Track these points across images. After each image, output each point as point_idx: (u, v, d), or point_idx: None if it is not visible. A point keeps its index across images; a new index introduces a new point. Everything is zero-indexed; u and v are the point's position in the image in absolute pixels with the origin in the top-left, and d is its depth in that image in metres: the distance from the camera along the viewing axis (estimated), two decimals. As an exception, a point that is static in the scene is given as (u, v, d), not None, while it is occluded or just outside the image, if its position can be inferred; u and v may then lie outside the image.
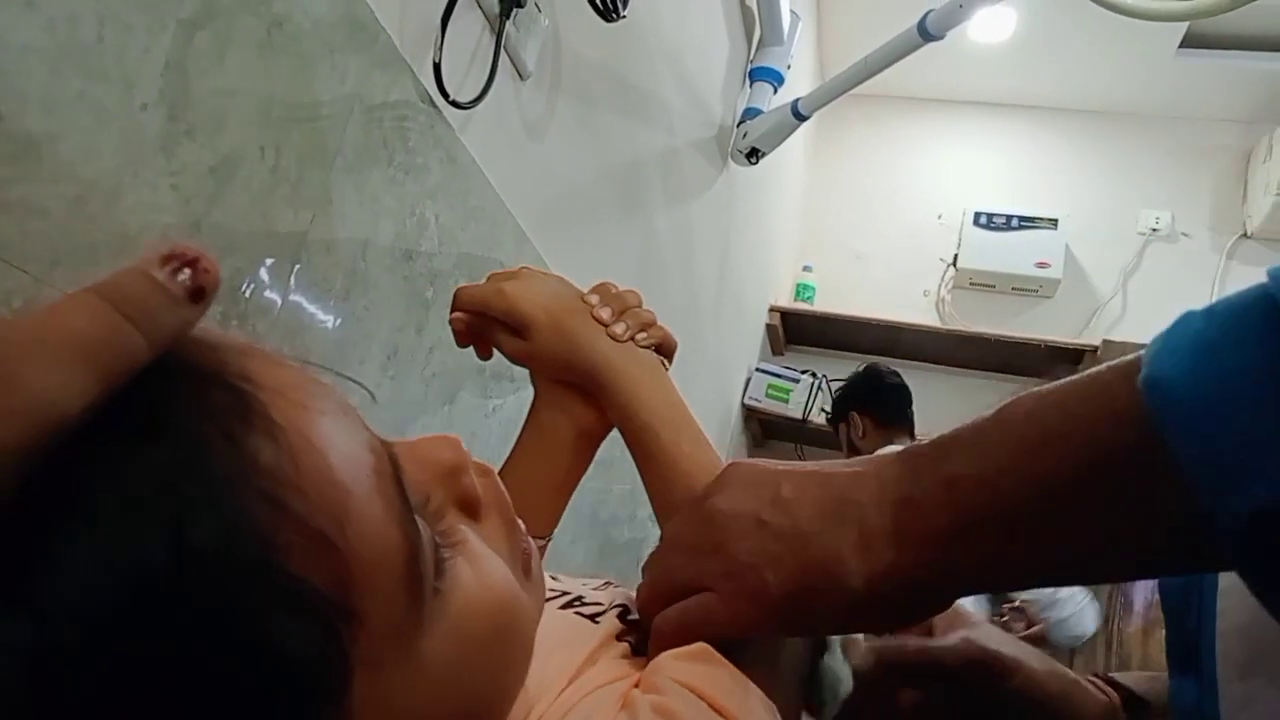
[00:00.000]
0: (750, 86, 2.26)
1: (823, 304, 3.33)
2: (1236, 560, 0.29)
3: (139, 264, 0.22)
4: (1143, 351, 0.32)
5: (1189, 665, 0.49)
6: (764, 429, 3.17)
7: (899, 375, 2.36)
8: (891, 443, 2.22)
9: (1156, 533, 0.32)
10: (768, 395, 2.96)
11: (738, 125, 2.20)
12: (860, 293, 3.35)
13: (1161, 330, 0.32)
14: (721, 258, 2.43)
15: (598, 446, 0.60)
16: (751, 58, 2.29)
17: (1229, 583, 0.44)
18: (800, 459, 2.72)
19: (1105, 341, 2.96)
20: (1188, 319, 0.31)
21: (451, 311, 0.59)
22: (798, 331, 3.33)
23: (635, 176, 1.68)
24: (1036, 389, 0.36)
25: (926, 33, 1.72)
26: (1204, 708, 0.45)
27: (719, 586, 0.40)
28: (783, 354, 3.39)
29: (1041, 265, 3.20)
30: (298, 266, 0.78)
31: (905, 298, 3.37)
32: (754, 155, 2.16)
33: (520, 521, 0.36)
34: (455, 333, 0.60)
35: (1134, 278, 3.26)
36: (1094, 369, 0.35)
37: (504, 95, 1.12)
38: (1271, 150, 3.05)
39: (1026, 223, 3.25)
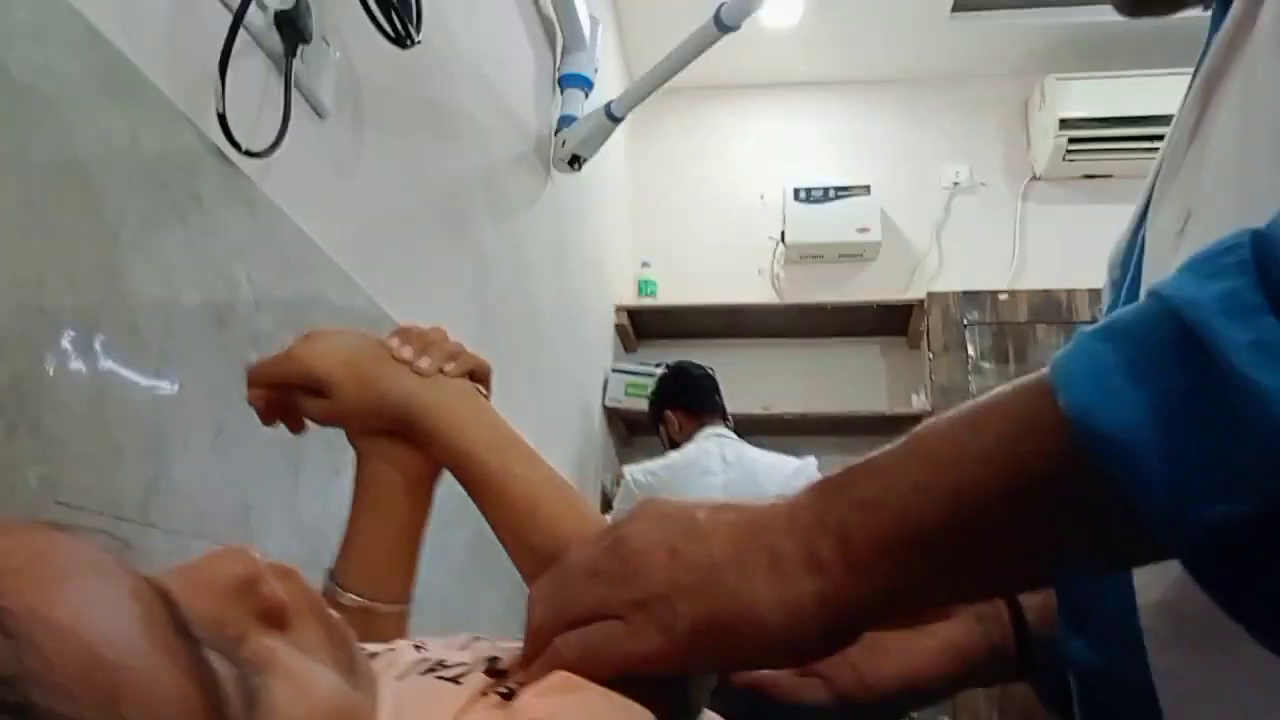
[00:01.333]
0: (562, 94, 2.26)
1: (666, 297, 3.38)
2: (1195, 573, 0.29)
3: None
4: (1045, 371, 0.32)
5: (1085, 627, 0.51)
6: (628, 427, 3.19)
7: (702, 367, 2.58)
8: (705, 428, 2.33)
9: (1088, 545, 0.33)
10: (628, 394, 2.98)
11: (555, 134, 2.19)
12: (700, 280, 3.42)
13: (1061, 353, 0.32)
14: (559, 266, 2.41)
15: (432, 490, 0.58)
16: (558, 65, 2.28)
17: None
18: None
19: (929, 293, 3.15)
20: (1087, 342, 0.31)
21: (248, 390, 0.55)
22: (646, 326, 3.36)
23: (457, 199, 1.64)
24: (945, 415, 0.36)
25: (723, 24, 1.77)
26: (1126, 676, 0.45)
27: (628, 616, 0.38)
28: (635, 350, 3.42)
29: (862, 230, 3.37)
30: (99, 347, 0.71)
31: (742, 279, 3.46)
32: (575, 162, 2.15)
33: (334, 614, 0.33)
34: (258, 412, 0.56)
35: (945, 230, 3.48)
36: (999, 390, 0.34)
37: (303, 137, 1.06)
38: (1044, 96, 3.32)
39: (842, 192, 3.40)
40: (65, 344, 0.68)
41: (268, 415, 0.58)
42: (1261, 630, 0.30)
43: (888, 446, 0.37)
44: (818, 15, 3.27)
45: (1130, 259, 0.53)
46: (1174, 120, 0.52)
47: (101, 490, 0.71)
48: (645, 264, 3.46)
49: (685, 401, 2.48)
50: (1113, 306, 0.56)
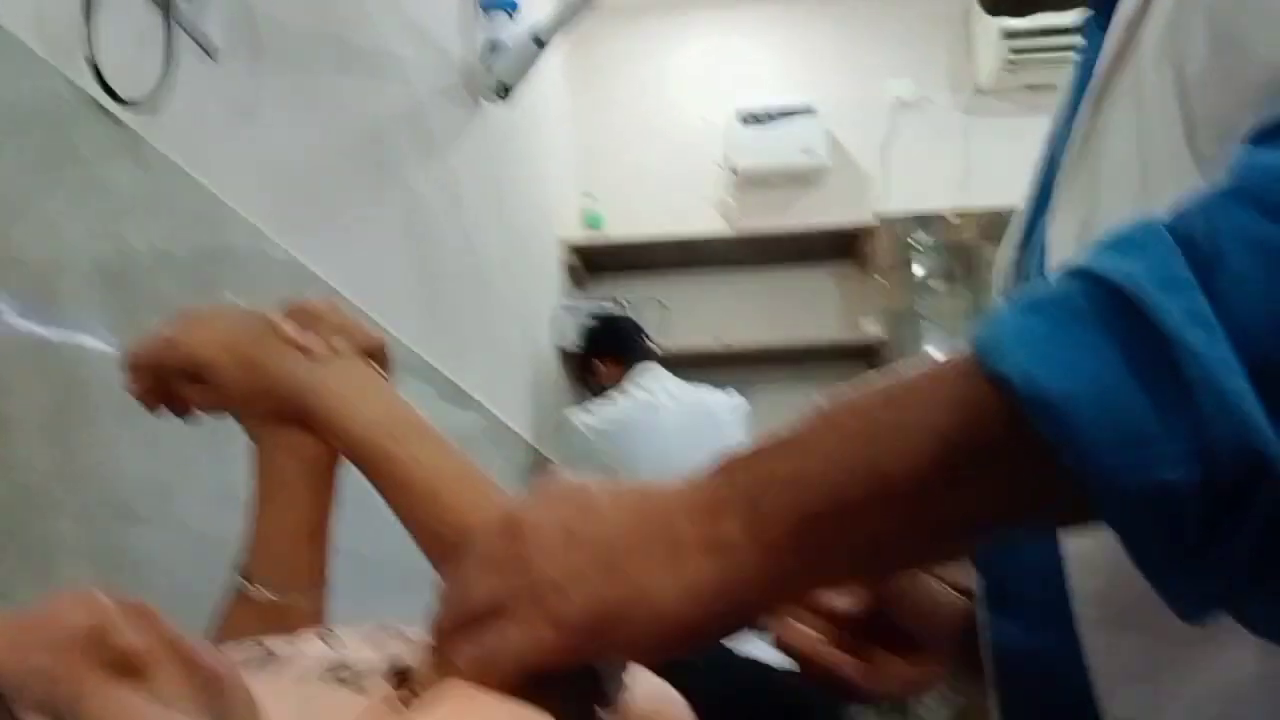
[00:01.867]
0: (487, 18, 2.15)
1: (613, 228, 3.31)
2: (1130, 544, 0.29)
3: None
4: (957, 349, 0.31)
5: (1010, 609, 0.51)
6: (584, 368, 3.15)
7: (622, 309, 2.69)
8: (635, 368, 2.43)
9: (1018, 511, 0.32)
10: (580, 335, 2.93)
11: (482, 62, 2.10)
12: (647, 211, 3.35)
13: (979, 329, 0.31)
14: (498, 201, 2.34)
15: (333, 474, 0.55)
16: (481, -11, 2.17)
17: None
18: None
19: (879, 217, 3.13)
20: (1010, 317, 0.30)
21: (127, 377, 0.51)
22: (595, 262, 3.31)
23: (380, 139, 1.56)
24: (847, 392, 0.34)
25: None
26: (1056, 656, 0.46)
27: (520, 609, 0.35)
28: (585, 287, 3.36)
29: (808, 152, 3.32)
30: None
31: (691, 208, 3.41)
32: (504, 91, 2.07)
33: (203, 654, 0.30)
34: (139, 399, 0.52)
35: (891, 149, 3.44)
36: (905, 368, 0.33)
37: (194, 81, 0.98)
38: (986, 7, 3.26)
39: (786, 113, 3.34)
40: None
41: (150, 402, 0.54)
42: (1192, 607, 0.29)
43: (792, 424, 0.35)
44: (755, -72, 3.15)
45: (1024, 254, 0.56)
46: (1058, 120, 0.57)
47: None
48: (589, 195, 3.39)
49: (612, 348, 2.55)
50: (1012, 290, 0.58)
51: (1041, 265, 0.52)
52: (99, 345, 0.80)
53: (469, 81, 2.06)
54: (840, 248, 3.29)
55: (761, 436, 0.35)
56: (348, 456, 0.50)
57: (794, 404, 3.23)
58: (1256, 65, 0.38)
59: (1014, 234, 0.60)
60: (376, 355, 0.54)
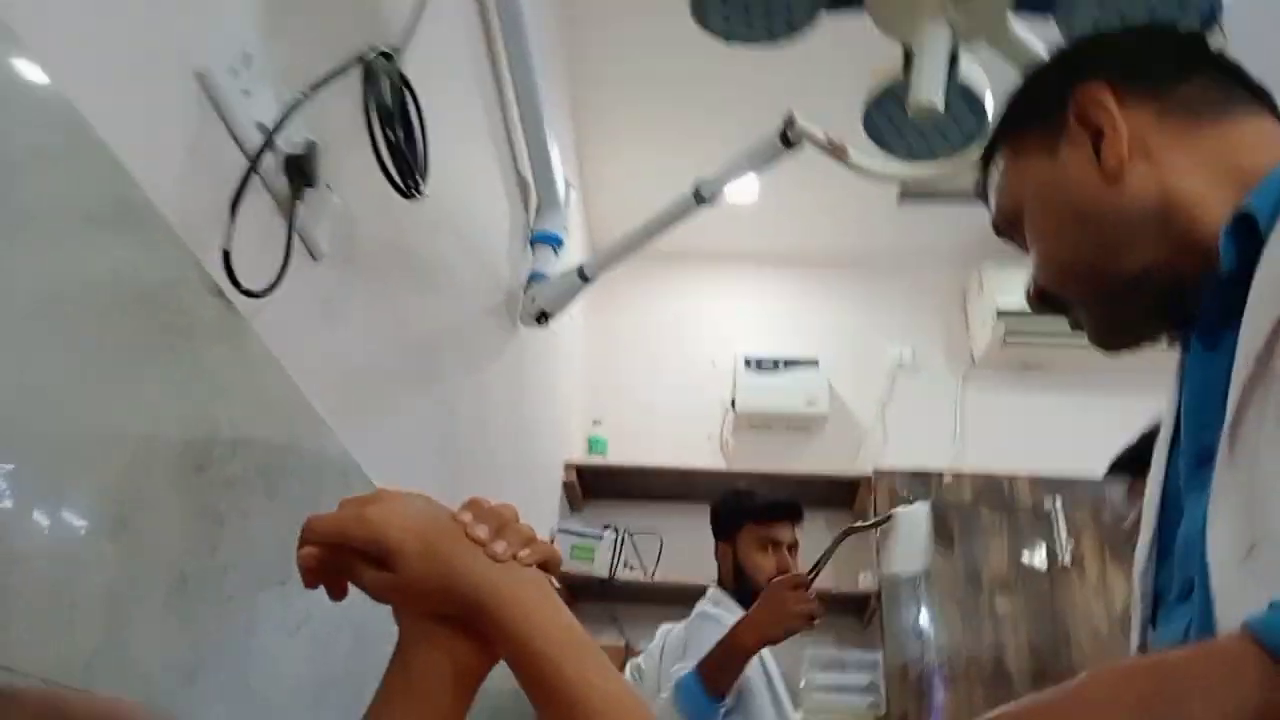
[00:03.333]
0: (533, 251, 2.30)
1: (615, 456, 3.34)
2: None
3: None
4: (1236, 638, 0.33)
5: None
6: (571, 593, 3.06)
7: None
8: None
9: None
10: (573, 557, 2.88)
11: (525, 290, 2.21)
12: (650, 442, 3.40)
13: (1267, 619, 0.32)
14: (516, 420, 2.38)
15: (479, 685, 0.52)
16: (531, 224, 2.33)
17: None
18: (614, 621, 2.65)
19: (876, 471, 3.18)
20: None
21: (300, 546, 0.50)
22: (594, 485, 3.30)
23: (431, 350, 1.61)
24: (1115, 663, 0.35)
25: (700, 197, 1.84)
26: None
27: None
28: (580, 510, 3.34)
29: (810, 403, 3.43)
30: (62, 494, 0.65)
31: (692, 443, 3.46)
32: (543, 317, 2.16)
33: None
34: (304, 571, 0.51)
35: (890, 407, 3.56)
36: (1179, 651, 0.34)
37: (297, 279, 1.03)
38: (983, 285, 3.51)
39: (791, 364, 3.48)
40: (24, 485, 0.62)
41: (314, 576, 0.52)
42: None
43: (1044, 698, 0.35)
44: (774, 195, 3.45)
45: (1182, 574, 0.58)
46: (1164, 436, 0.61)
47: (49, 649, 0.63)
48: (596, 422, 3.44)
49: None
50: (1179, 618, 0.59)
51: (1197, 573, 0.54)
52: (160, 529, 0.78)
53: (510, 305, 2.16)
54: (837, 497, 3.31)
55: (1032, 702, 0.35)
56: (516, 666, 0.48)
57: (784, 652, 3.10)
58: None
59: (1145, 544, 0.63)
60: (552, 569, 0.53)
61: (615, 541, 2.93)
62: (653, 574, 3.06)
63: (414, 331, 1.51)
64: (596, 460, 3.30)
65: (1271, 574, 0.49)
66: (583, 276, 2.08)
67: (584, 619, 2.29)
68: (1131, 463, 2.11)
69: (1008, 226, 0.75)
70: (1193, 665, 0.33)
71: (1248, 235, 0.58)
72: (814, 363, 3.49)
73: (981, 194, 0.80)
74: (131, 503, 0.73)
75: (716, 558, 2.11)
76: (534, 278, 2.21)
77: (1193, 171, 0.65)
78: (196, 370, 0.83)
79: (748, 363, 3.48)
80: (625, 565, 3.00)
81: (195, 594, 0.82)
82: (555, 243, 2.28)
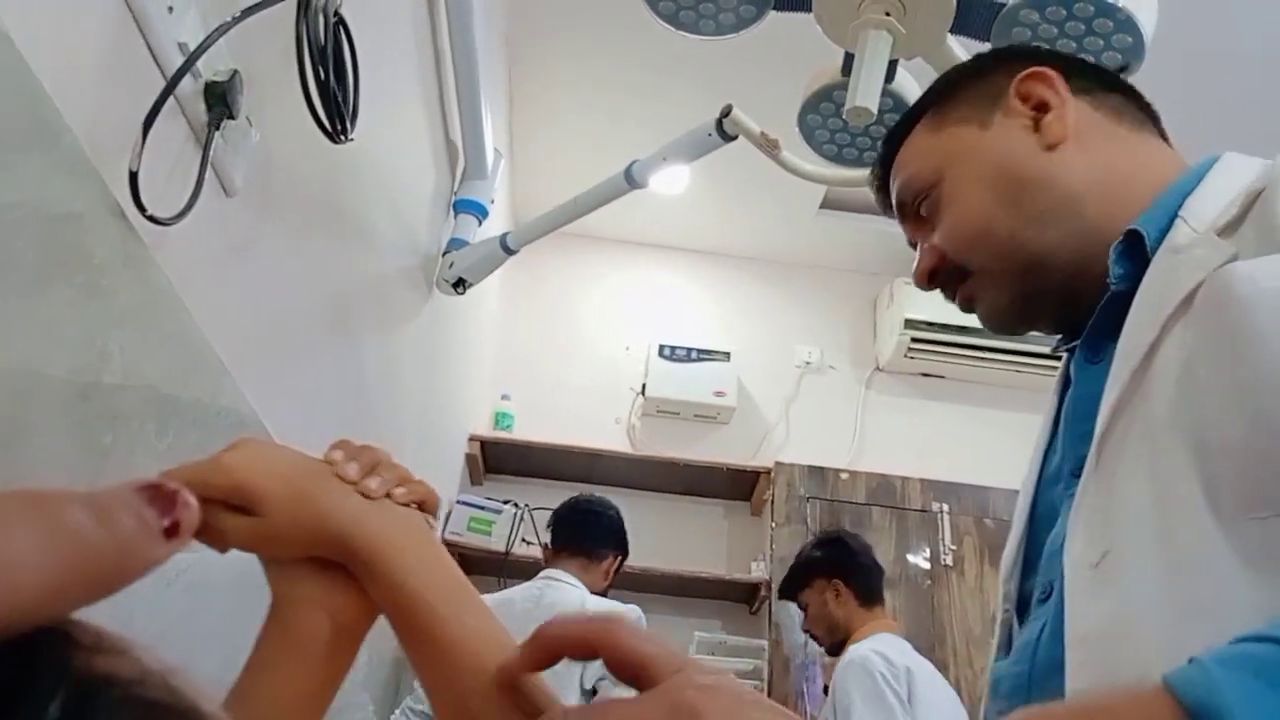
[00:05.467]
0: (455, 217, 2.26)
1: (521, 432, 3.32)
2: None
3: (124, 495, 0.20)
4: (1157, 691, 0.33)
5: None
6: (465, 564, 3.02)
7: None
8: (547, 568, 2.25)
9: None
10: (470, 529, 2.85)
11: (443, 255, 2.17)
12: (557, 421, 3.39)
13: (1186, 676, 0.33)
14: (425, 387, 2.34)
15: (360, 644, 0.51)
16: (455, 190, 2.29)
17: None
18: (501, 588, 2.63)
19: (777, 463, 3.26)
20: (1219, 673, 0.32)
21: None
22: (497, 460, 3.28)
23: (343, 303, 1.57)
24: (1041, 709, 0.36)
25: (632, 179, 1.84)
26: None
27: None
28: (481, 484, 3.31)
29: (718, 394, 3.48)
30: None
31: (599, 425, 3.47)
32: (460, 285, 2.13)
33: None
34: None
35: (794, 405, 3.64)
36: (1100, 701, 0.35)
37: (207, 213, 0.99)
38: (893, 296, 3.62)
39: (704, 355, 3.52)
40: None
41: None
42: None
43: None
44: (701, 189, 3.47)
45: (1044, 578, 0.61)
46: (1039, 445, 0.65)
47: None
48: (505, 397, 3.41)
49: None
50: (1035, 620, 0.62)
51: (1056, 577, 0.57)
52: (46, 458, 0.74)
53: (427, 269, 2.12)
54: (737, 487, 3.37)
55: None
56: (389, 608, 0.47)
57: (673, 634, 3.15)
58: None
59: (1012, 548, 0.66)
60: (430, 510, 0.52)
61: (515, 516, 2.91)
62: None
63: (328, 283, 1.47)
64: (502, 435, 3.27)
65: (1118, 582, 0.52)
66: (505, 248, 2.06)
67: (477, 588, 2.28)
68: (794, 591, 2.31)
69: (916, 198, 0.75)
70: (1113, 716, 0.34)
71: (1137, 253, 0.61)
72: (726, 355, 3.54)
73: (883, 173, 0.81)
74: (9, 426, 0.69)
75: (608, 563, 2.31)
76: (454, 244, 2.18)
77: (1116, 169, 0.68)
78: (91, 293, 0.79)
79: (661, 350, 3.51)
80: (523, 541, 2.99)
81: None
82: (479, 211, 2.25)
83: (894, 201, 0.79)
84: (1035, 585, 0.62)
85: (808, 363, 3.71)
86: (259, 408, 1.18)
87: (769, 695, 2.86)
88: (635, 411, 3.55)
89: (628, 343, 3.63)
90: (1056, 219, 0.67)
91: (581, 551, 2.25)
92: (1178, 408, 0.50)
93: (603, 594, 2.31)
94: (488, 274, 2.15)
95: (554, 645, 0.39)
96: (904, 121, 0.79)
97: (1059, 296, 0.70)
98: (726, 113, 1.63)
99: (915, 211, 0.77)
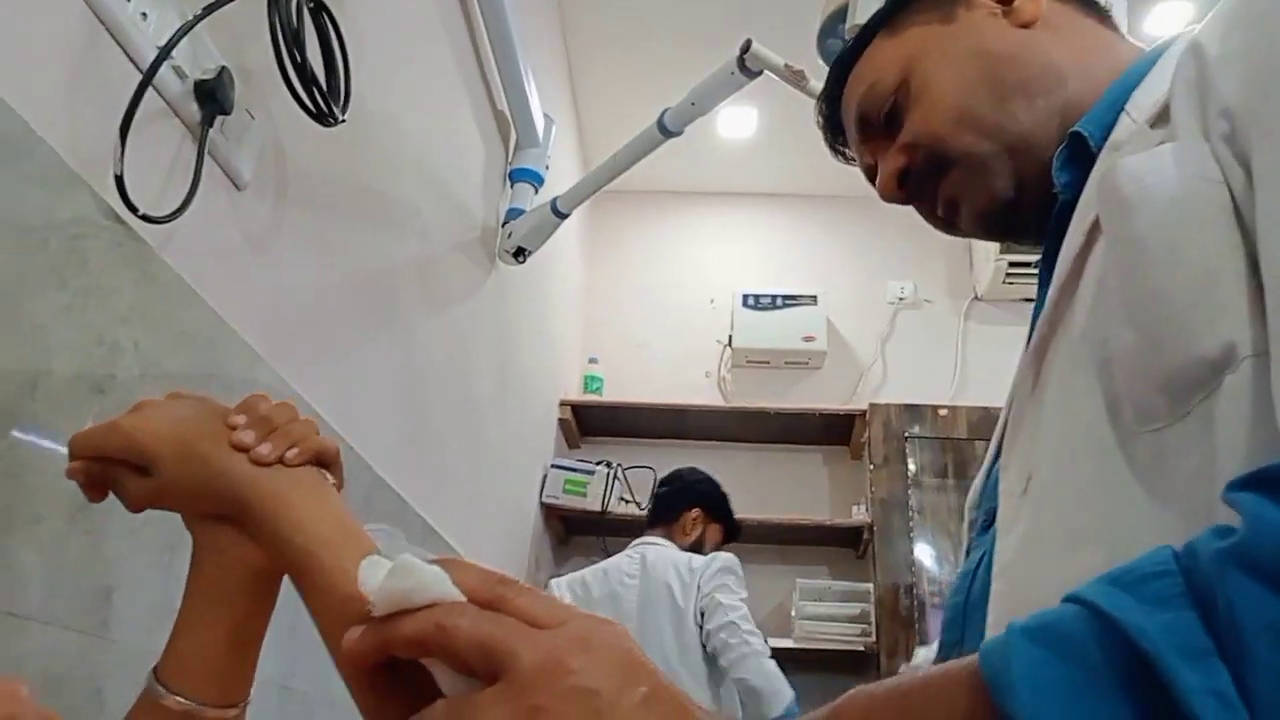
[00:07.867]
0: (511, 188, 2.28)
1: (611, 394, 3.35)
2: None
3: None
4: (974, 662, 0.32)
5: None
6: (565, 526, 3.11)
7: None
8: (639, 538, 2.48)
9: None
10: (565, 491, 2.92)
11: (502, 226, 2.20)
12: (646, 380, 3.41)
13: (994, 649, 0.31)
14: (502, 358, 2.39)
15: (278, 584, 0.53)
16: (510, 160, 2.31)
17: None
18: (605, 553, 2.69)
19: (871, 405, 3.17)
20: (1024, 646, 0.31)
21: (69, 462, 0.51)
22: (590, 423, 3.33)
23: (389, 286, 1.62)
24: (866, 689, 0.35)
25: (665, 129, 1.81)
26: None
27: None
28: (579, 447, 3.37)
29: (808, 339, 3.40)
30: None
31: (688, 380, 3.46)
32: (520, 254, 2.16)
33: None
34: (80, 486, 0.52)
35: (889, 343, 3.53)
36: (926, 675, 0.34)
37: (216, 207, 1.04)
38: (985, 222, 3.44)
39: (790, 301, 3.45)
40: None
41: (91, 490, 0.53)
42: None
43: (810, 715, 0.35)
44: (772, 130, 3.38)
45: (988, 504, 0.59)
46: (1016, 374, 0.59)
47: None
48: (593, 360, 3.45)
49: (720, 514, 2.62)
50: (977, 548, 0.59)
51: (994, 511, 0.55)
52: (57, 448, 0.80)
53: (487, 242, 2.15)
54: (834, 433, 3.31)
55: None
56: (277, 563, 0.49)
57: (777, 582, 3.13)
58: (1166, 358, 0.42)
59: (981, 475, 0.63)
60: (329, 463, 0.53)
61: (608, 476, 2.95)
62: (646, 508, 3.09)
63: (365, 267, 1.51)
64: (592, 399, 3.32)
65: (1034, 508, 0.49)
66: (556, 212, 2.07)
67: (577, 550, 2.39)
68: None
69: (881, 106, 0.70)
70: (929, 701, 0.33)
71: (1084, 155, 0.56)
72: (813, 299, 3.45)
73: (829, 107, 0.77)
74: (11, 422, 0.74)
75: (684, 519, 2.50)
76: (511, 213, 2.20)
77: (1090, 49, 0.65)
78: (91, 297, 0.84)
79: (745, 300, 3.46)
80: (621, 500, 3.04)
81: (99, 518, 0.84)
82: (535, 179, 2.26)
83: (854, 121, 0.74)
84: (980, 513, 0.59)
85: (901, 298, 3.58)
86: (305, 392, 1.24)
87: (877, 637, 2.82)
88: (725, 364, 3.52)
89: (711, 295, 3.60)
90: (1041, 89, 0.63)
91: (659, 520, 2.54)
92: (1090, 321, 0.48)
93: (695, 548, 2.41)
94: (544, 240, 2.16)
95: (382, 645, 0.37)
96: (854, 45, 0.74)
97: (1045, 193, 0.64)
98: (746, 48, 1.57)
99: (880, 125, 0.72)
